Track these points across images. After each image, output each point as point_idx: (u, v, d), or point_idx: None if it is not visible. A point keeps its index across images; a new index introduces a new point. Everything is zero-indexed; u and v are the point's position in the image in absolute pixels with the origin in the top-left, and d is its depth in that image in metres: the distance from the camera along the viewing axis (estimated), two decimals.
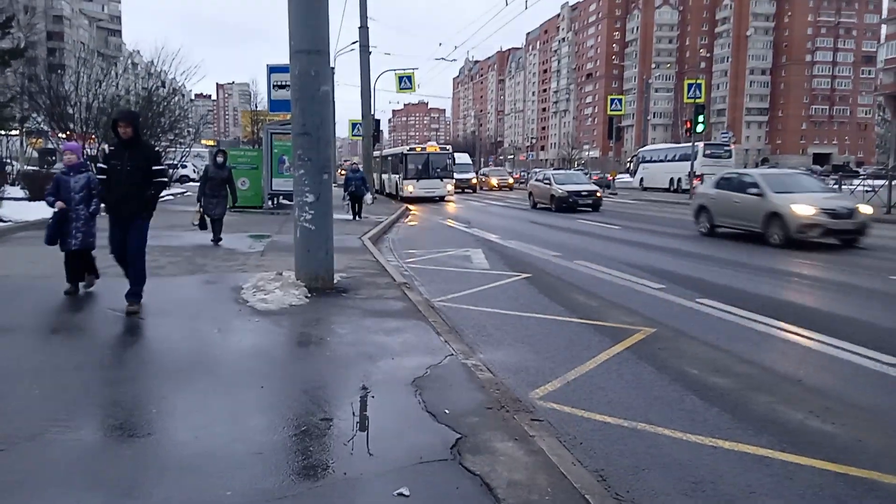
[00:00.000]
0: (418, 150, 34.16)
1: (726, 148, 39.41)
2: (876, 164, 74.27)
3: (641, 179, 44.87)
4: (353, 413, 4.32)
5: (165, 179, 6.92)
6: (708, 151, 37.44)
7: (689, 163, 33.57)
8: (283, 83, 13.58)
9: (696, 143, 33.61)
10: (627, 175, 50.40)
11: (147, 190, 6.86)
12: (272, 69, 13.89)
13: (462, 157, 45.97)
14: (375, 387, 4.78)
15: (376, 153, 39.93)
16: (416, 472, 3.41)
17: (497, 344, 6.52)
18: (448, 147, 36.58)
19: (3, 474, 3.30)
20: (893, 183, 22.45)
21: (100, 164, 7.29)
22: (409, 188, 32.48)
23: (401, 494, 3.15)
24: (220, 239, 12.82)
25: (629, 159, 48.20)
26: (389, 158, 39.42)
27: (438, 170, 33.16)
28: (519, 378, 5.45)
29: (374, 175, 37.74)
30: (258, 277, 8.37)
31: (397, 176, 34.68)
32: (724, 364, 5.86)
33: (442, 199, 32.79)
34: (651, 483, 3.70)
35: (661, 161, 42.39)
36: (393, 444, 3.80)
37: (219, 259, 10.47)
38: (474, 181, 44.30)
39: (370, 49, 29.06)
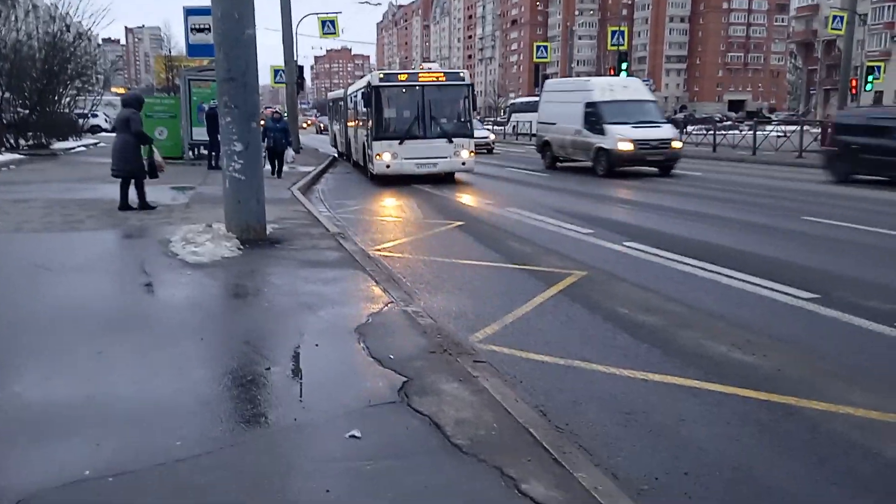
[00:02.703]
0: (402, 77, 17.34)
1: None
2: (787, 111, 77.51)
3: (514, 127, 47.19)
4: (298, 362, 4.33)
5: None
6: None
7: None
8: (202, 26, 12.95)
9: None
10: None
11: None
12: (189, 11, 13.21)
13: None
14: (318, 336, 4.79)
15: (332, 95, 30.88)
16: (366, 416, 3.47)
17: (435, 291, 6.60)
18: (463, 73, 18.31)
19: None
20: (804, 128, 23.54)
21: None
22: (385, 157, 16.33)
23: (353, 437, 3.20)
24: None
25: (503, 109, 51.37)
26: (352, 101, 21.51)
27: (445, 120, 16.87)
28: (459, 323, 5.56)
29: (332, 131, 29.58)
30: (186, 230, 8.13)
31: (364, 133, 18.21)
32: (653, 303, 6.13)
33: (450, 176, 17.43)
34: (588, 416, 3.89)
35: (529, 111, 45.74)
36: (340, 390, 3.83)
37: (142, 212, 10.09)
38: (492, 139, 32.30)
39: None
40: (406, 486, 2.82)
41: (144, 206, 10.28)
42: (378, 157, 16.27)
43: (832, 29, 29.48)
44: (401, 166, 16.24)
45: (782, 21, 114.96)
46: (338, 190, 16.45)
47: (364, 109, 17.70)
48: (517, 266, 7.61)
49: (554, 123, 21.10)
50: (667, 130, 18.92)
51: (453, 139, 16.42)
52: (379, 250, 8.44)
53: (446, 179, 17.27)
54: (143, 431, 3.25)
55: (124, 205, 10.14)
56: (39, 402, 3.59)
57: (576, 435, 3.60)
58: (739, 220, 10.76)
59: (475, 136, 26.93)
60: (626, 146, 17.72)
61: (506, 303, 6.10)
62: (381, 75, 17.11)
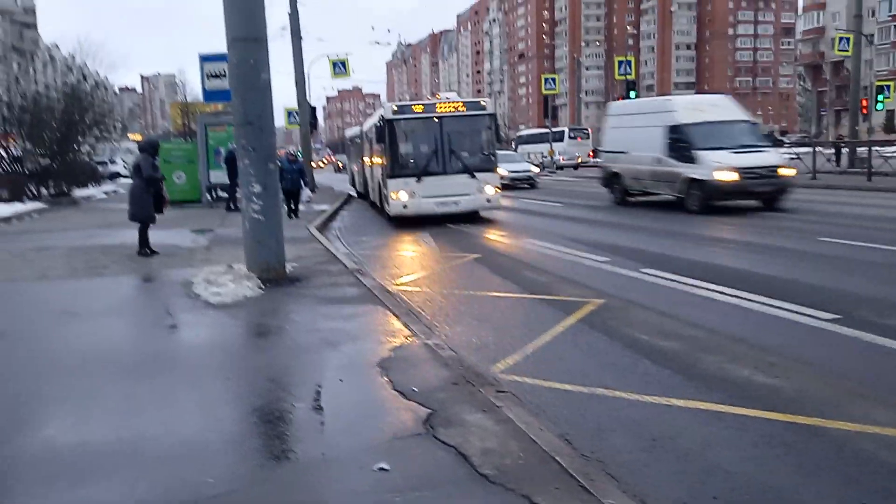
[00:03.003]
0: (417, 108, 15.51)
1: (584, 130, 48.71)
2: (799, 133, 77.43)
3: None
4: (323, 397, 4.38)
5: None
6: (572, 134, 46.65)
7: (557, 143, 42.92)
8: (217, 73, 13.25)
9: (556, 128, 43.93)
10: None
11: None
12: (204, 58, 13.54)
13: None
14: (342, 371, 4.85)
15: (350, 132, 29.47)
16: (393, 448, 3.51)
17: (455, 323, 6.65)
18: (484, 102, 16.06)
19: None
20: (817, 149, 23.51)
21: None
22: (402, 196, 15.04)
23: (381, 469, 3.24)
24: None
25: (513, 141, 53.18)
26: (367, 137, 20.82)
27: (466, 154, 15.44)
28: (480, 354, 5.59)
29: (350, 171, 28.54)
30: (208, 271, 8.26)
31: (380, 171, 17.06)
32: (672, 329, 6.14)
33: (474, 215, 15.83)
34: (613, 442, 3.90)
35: (536, 143, 47.32)
36: (366, 424, 3.88)
37: (163, 255, 10.26)
38: (535, 173, 28.69)
39: (301, 35, 28.56)
40: None
41: (143, 250, 10.40)
42: (394, 196, 14.88)
43: (839, 51, 29.63)
44: (419, 206, 14.80)
45: (789, 44, 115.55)
46: (354, 227, 16.60)
47: (378, 145, 16.34)
48: (544, 297, 7.65)
49: (624, 152, 17.96)
50: (773, 156, 15.69)
51: (476, 174, 14.96)
52: (397, 285, 8.52)
53: (476, 219, 15.59)
54: (174, 471, 3.31)
55: (143, 248, 10.33)
56: (73, 444, 3.67)
57: (602, 462, 3.61)
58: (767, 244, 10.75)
59: (515, 170, 26.53)
60: (729, 176, 14.54)
61: (525, 333, 6.13)
62: (395, 107, 15.29)
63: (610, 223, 14.65)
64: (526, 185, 26.88)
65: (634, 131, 17.55)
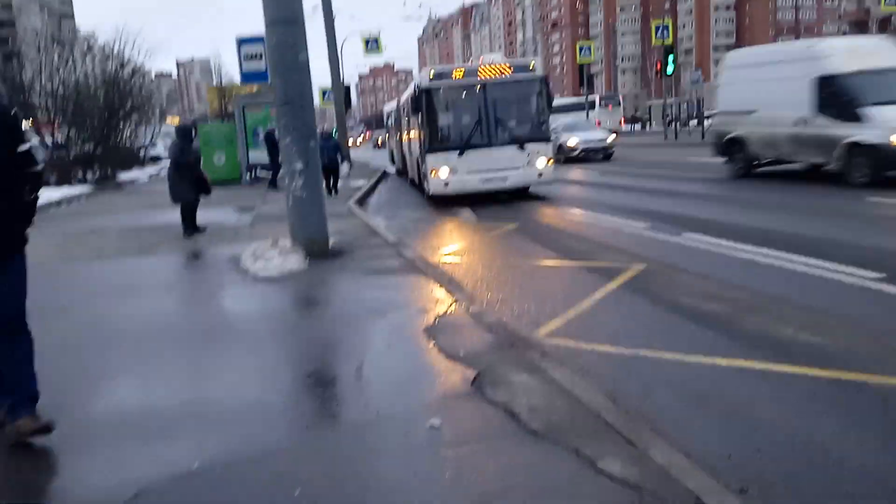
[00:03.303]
0: (457, 73, 13.78)
1: (615, 98, 48.53)
2: None
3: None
4: (374, 361, 4.54)
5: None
6: (603, 102, 46.28)
7: (586, 111, 38.88)
8: (254, 54, 13.48)
9: (590, 95, 40.27)
10: None
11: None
12: (242, 41, 13.75)
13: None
14: (390, 337, 5.02)
15: (388, 107, 28.31)
16: (444, 406, 3.65)
17: (497, 290, 6.76)
18: (533, 63, 14.19)
19: None
20: None
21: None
22: (442, 172, 13.62)
23: (433, 426, 3.39)
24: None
25: None
26: (403, 110, 19.49)
27: (514, 122, 13.96)
28: (522, 319, 5.70)
29: (389, 147, 28.05)
30: (254, 247, 8.47)
31: (418, 145, 15.44)
32: (715, 291, 6.15)
33: (523, 191, 14.57)
34: (658, 400, 3.98)
35: (567, 111, 46.60)
36: (416, 385, 4.04)
37: (210, 233, 10.55)
38: (611, 141, 24.36)
39: (333, 14, 28.62)
40: (489, 467, 2.99)
41: (186, 231, 10.55)
42: (433, 173, 13.43)
43: (886, 6, 28.54)
44: (462, 183, 13.34)
45: (832, 2, 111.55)
46: (392, 202, 16.77)
47: (414, 117, 14.90)
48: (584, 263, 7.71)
49: (751, 112, 14.23)
50: None
51: (526, 145, 13.37)
52: (438, 256, 8.65)
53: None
54: (239, 429, 3.51)
55: (186, 228, 10.56)
56: (142, 407, 3.91)
57: (647, 419, 3.70)
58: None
59: (589, 138, 24.09)
60: None
61: (566, 298, 6.21)
62: (432, 74, 13.52)
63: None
64: (600, 156, 23.66)
65: (766, 85, 13.77)
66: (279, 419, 3.62)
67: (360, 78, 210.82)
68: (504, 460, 3.05)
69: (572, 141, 23.84)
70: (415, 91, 13.88)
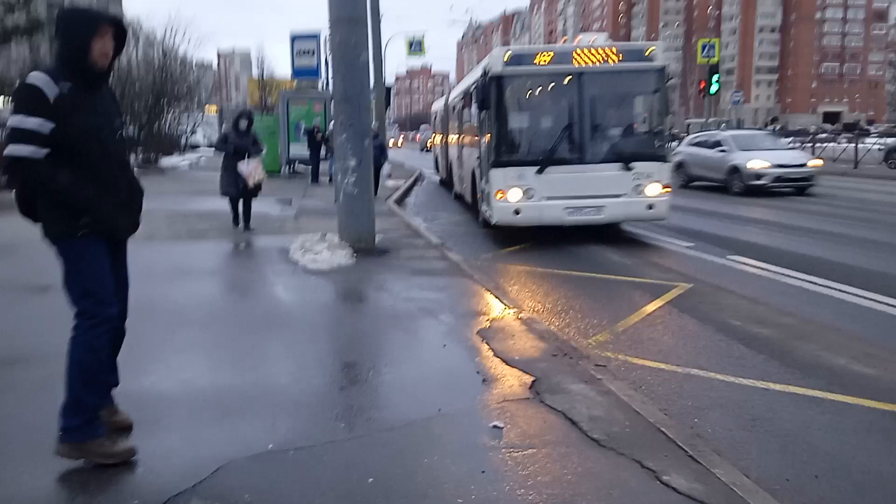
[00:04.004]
0: (544, 58, 9.75)
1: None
2: (887, 123, 73.80)
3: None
4: (431, 359, 4.65)
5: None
6: None
7: None
8: (307, 51, 13.70)
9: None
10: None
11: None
12: (295, 37, 14.00)
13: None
14: (444, 337, 5.10)
15: (436, 105, 23.88)
16: (504, 409, 3.73)
17: (544, 299, 6.83)
18: (652, 47, 9.91)
19: None
20: None
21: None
22: (512, 195, 9.76)
23: (495, 427, 3.47)
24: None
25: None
26: (456, 106, 15.98)
27: (618, 130, 10.22)
28: (572, 329, 5.77)
29: (435, 153, 23.77)
30: (302, 239, 8.64)
31: (476, 154, 11.62)
32: (764, 315, 6.16)
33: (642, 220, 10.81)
34: (712, 420, 4.02)
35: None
36: (476, 386, 4.12)
37: (256, 223, 10.74)
38: (812, 168, 17.16)
39: (380, 14, 28.86)
40: (555, 471, 3.06)
41: (235, 219, 10.29)
42: (499, 195, 9.65)
43: None
44: (539, 212, 9.61)
45: (881, 30, 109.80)
46: (430, 203, 16.89)
47: (476, 116, 11.38)
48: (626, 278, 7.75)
49: None
50: None
51: (633, 164, 9.63)
52: (482, 260, 8.73)
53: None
54: (308, 414, 3.63)
55: (234, 218, 10.33)
56: (212, 387, 4.05)
57: (702, 437, 3.75)
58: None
59: (783, 162, 16.38)
60: None
61: (614, 312, 6.26)
62: (508, 56, 9.65)
63: None
64: (789, 188, 16.57)
65: None
66: (343, 409, 3.72)
67: (397, 79, 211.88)
68: (570, 466, 3.12)
69: (757, 164, 16.46)
70: (482, 79, 10.20)
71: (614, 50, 9.76)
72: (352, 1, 8.04)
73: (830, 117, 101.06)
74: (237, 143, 9.92)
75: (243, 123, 10.05)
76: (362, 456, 3.17)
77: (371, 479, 2.93)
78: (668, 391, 4.46)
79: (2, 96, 27.79)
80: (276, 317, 5.65)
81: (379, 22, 28.89)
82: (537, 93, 10.05)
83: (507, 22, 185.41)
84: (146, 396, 3.81)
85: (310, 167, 20.15)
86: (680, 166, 18.59)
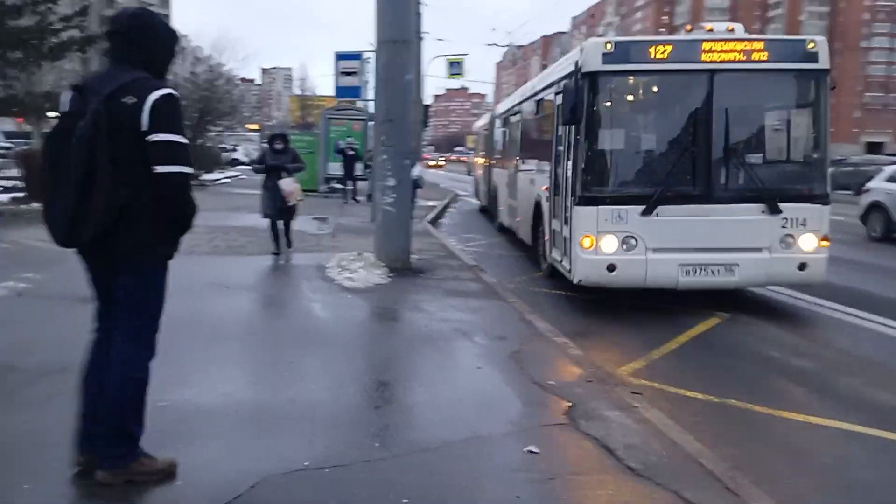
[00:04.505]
0: (658, 51, 6.92)
1: None
2: None
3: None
4: (466, 381, 4.66)
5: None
6: None
7: None
8: (350, 70, 13.94)
9: None
10: None
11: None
12: (340, 56, 14.26)
13: None
14: (478, 359, 5.11)
15: (482, 121, 20.79)
16: (539, 434, 3.72)
17: (578, 324, 6.79)
18: (809, 42, 7.07)
19: None
20: None
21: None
22: (606, 244, 6.95)
23: (530, 451, 3.47)
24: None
25: None
26: (515, 119, 12.63)
27: (757, 158, 7.26)
28: (606, 356, 5.73)
29: (475, 177, 21.05)
30: (339, 258, 8.75)
31: (549, 182, 8.56)
32: (804, 348, 6.05)
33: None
34: (751, 451, 3.96)
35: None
36: (511, 409, 4.12)
37: (295, 240, 10.90)
38: None
39: (422, 35, 29.24)
40: (591, 498, 3.05)
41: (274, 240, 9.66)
42: (588, 242, 7.05)
43: None
44: (644, 269, 7.01)
45: None
46: (463, 224, 16.94)
47: (550, 131, 8.73)
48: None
49: None
50: None
51: (782, 205, 6.99)
52: (516, 282, 8.74)
53: None
54: (344, 432, 3.67)
55: (275, 243, 9.65)
56: (251, 401, 4.11)
57: (741, 469, 3.69)
58: None
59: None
60: None
61: (650, 339, 6.20)
62: (609, 46, 7.06)
63: None
64: None
65: None
66: (379, 428, 3.74)
67: (436, 98, 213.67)
68: (606, 495, 3.10)
69: None
70: (570, 80, 7.41)
71: (761, 43, 7.06)
72: (399, 23, 8.20)
73: (874, 148, 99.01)
74: (274, 163, 9.52)
75: (278, 144, 9.70)
76: (397, 476, 3.19)
77: (406, 501, 2.94)
78: (705, 421, 4.40)
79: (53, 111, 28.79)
80: (313, 334, 5.72)
81: (419, 42, 29.38)
82: (648, 99, 7.50)
83: (547, 44, 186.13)
84: (186, 408, 3.89)
85: (347, 186, 20.39)
86: (874, 210, 13.99)
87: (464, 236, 14.20)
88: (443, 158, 78.42)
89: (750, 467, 3.71)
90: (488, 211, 16.62)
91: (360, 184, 20.24)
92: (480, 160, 19.18)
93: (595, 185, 7.02)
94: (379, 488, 3.07)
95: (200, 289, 7.17)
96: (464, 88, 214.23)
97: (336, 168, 21.96)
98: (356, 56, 13.58)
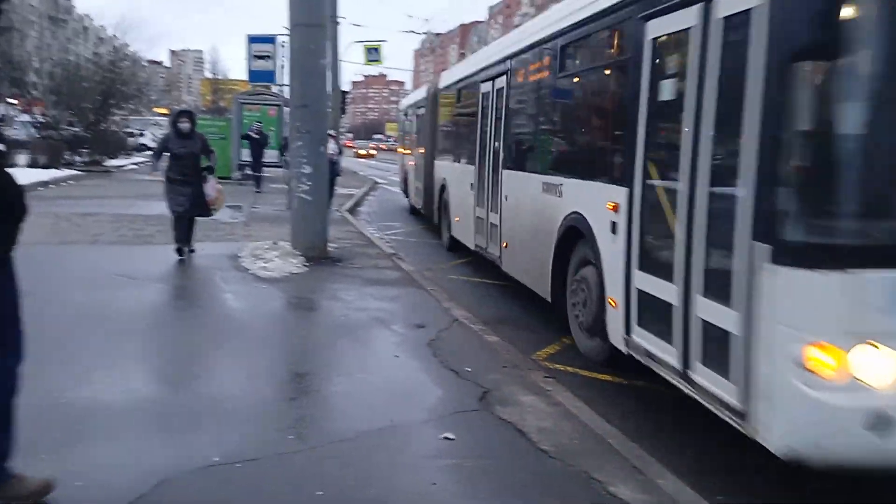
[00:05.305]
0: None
1: None
2: None
3: None
4: (383, 370, 4.64)
5: None
6: None
7: None
8: (264, 53, 13.55)
9: None
10: None
11: None
12: (252, 39, 13.83)
13: None
14: (396, 348, 5.11)
15: (405, 102, 18.23)
16: (455, 421, 3.75)
17: (495, 311, 6.89)
18: None
19: None
20: None
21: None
22: (872, 368, 2.77)
23: (447, 438, 3.49)
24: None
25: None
26: (499, 95, 7.66)
27: None
28: (521, 341, 5.81)
29: (406, 173, 16.30)
30: (253, 246, 8.54)
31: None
32: None
33: None
34: (658, 429, 4.12)
35: None
36: (427, 397, 4.14)
37: (206, 228, 10.53)
38: None
39: (338, 20, 28.76)
40: (504, 482, 3.10)
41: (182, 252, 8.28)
42: (814, 356, 2.87)
43: None
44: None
45: None
46: (383, 212, 16.85)
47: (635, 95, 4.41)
48: None
49: None
50: None
51: None
52: (431, 271, 8.76)
53: None
54: (257, 425, 3.59)
55: (179, 244, 8.28)
56: (157, 398, 3.97)
57: (648, 448, 3.83)
58: None
59: None
60: None
61: (563, 325, 6.34)
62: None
63: None
64: None
65: None
66: (293, 420, 3.69)
67: (354, 84, 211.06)
68: (518, 476, 3.15)
69: None
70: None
71: None
72: (312, 6, 8.01)
73: None
74: (181, 149, 8.01)
75: (184, 125, 8.08)
76: (312, 468, 3.15)
77: (321, 492, 2.91)
78: (616, 402, 4.55)
79: None
80: (225, 325, 5.56)
81: (336, 27, 28.89)
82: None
83: (465, 32, 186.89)
84: (88, 406, 3.71)
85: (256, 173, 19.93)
86: None
87: (383, 224, 14.13)
88: (373, 146, 69.08)
89: (657, 445, 3.86)
90: (424, 216, 13.11)
91: (272, 171, 19.81)
92: (414, 150, 15.04)
93: (830, 217, 3.01)
94: (293, 481, 3.02)
95: (105, 281, 6.85)
96: (382, 75, 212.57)
97: (249, 155, 21.41)
98: (270, 39, 13.20)
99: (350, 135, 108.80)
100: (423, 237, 12.40)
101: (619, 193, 4.62)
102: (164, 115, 49.03)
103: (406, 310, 6.31)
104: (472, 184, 8.72)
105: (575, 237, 5.52)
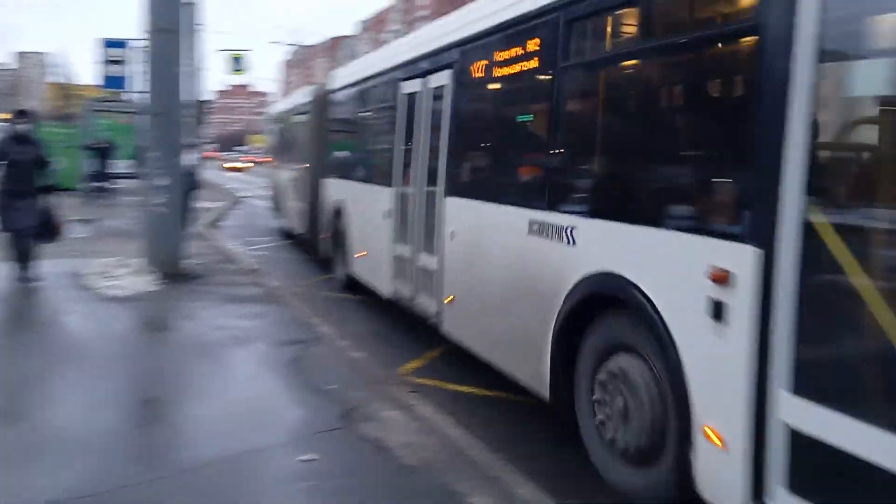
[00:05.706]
0: None
1: None
2: None
3: None
4: (240, 392, 4.46)
5: None
6: None
7: None
8: (118, 58, 12.77)
9: None
10: None
11: None
12: (107, 43, 12.98)
13: None
14: (256, 367, 4.94)
15: (279, 108, 16.06)
16: (317, 441, 3.67)
17: (361, 327, 6.82)
18: None
19: None
20: None
21: None
22: None
23: (307, 459, 3.40)
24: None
25: None
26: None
27: None
28: (387, 357, 5.80)
29: (281, 190, 13.83)
30: (100, 263, 8.01)
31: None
32: None
33: None
34: (516, 438, 4.23)
35: None
36: (288, 418, 4.02)
37: (49, 245, 9.73)
38: None
39: (196, 27, 27.63)
40: (364, 500, 3.05)
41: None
42: None
43: None
44: None
45: None
46: (247, 226, 16.32)
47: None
48: None
49: None
50: None
51: None
52: (300, 287, 8.57)
53: None
54: (98, 458, 3.34)
55: (21, 263, 7.49)
56: None
57: (508, 458, 3.91)
58: None
59: None
60: None
61: (428, 340, 6.39)
62: None
63: None
64: None
65: None
66: (140, 449, 3.47)
67: (218, 94, 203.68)
68: (380, 494, 3.13)
69: None
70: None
71: None
72: (166, 11, 7.64)
73: None
74: (18, 156, 7.15)
75: (22, 125, 7.31)
76: (159, 500, 2.96)
77: None
78: (477, 414, 4.62)
79: None
80: (68, 349, 5.15)
81: (196, 35, 27.75)
82: None
83: (334, 45, 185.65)
84: None
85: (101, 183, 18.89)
86: None
87: (248, 239, 13.66)
88: (247, 158, 63.42)
89: (516, 456, 3.95)
90: (305, 243, 11.18)
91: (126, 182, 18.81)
92: (290, 164, 12.76)
93: None
94: None
95: None
96: (247, 86, 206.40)
97: (98, 165, 20.10)
98: (123, 44, 12.47)
99: (215, 145, 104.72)
100: (291, 252, 12.11)
101: (739, 255, 2.76)
102: (5, 120, 44.87)
103: (269, 327, 6.11)
104: (387, 211, 6.84)
105: (597, 307, 3.71)
